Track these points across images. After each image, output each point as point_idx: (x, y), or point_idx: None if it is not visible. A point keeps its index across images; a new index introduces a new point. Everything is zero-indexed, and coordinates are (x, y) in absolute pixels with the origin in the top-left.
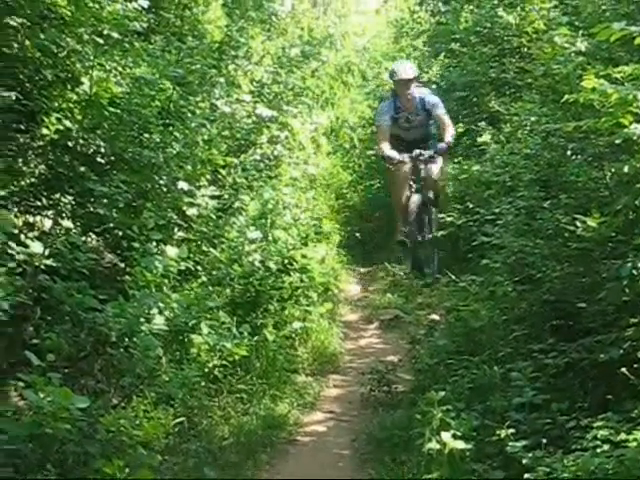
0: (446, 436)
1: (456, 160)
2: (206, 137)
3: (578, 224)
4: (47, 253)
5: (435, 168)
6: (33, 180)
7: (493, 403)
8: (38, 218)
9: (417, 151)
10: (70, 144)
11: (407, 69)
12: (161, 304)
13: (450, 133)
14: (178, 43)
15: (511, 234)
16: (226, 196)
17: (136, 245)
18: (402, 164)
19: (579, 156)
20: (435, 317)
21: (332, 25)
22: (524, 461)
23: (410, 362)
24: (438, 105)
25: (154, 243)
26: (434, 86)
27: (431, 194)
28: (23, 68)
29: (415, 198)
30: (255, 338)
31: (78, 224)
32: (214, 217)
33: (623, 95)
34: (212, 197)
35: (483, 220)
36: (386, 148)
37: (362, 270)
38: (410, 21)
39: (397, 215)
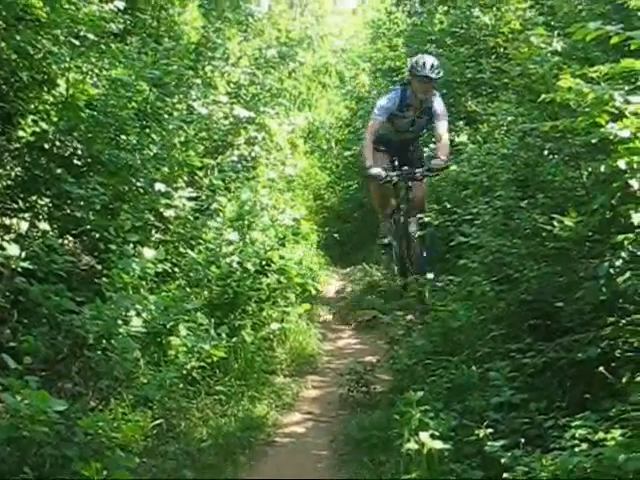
0: (424, 436)
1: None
2: (183, 139)
3: (555, 223)
4: (24, 255)
5: (423, 187)
6: (9, 182)
7: (471, 403)
8: (14, 220)
9: (406, 168)
10: (46, 146)
11: (434, 68)
12: (138, 306)
13: (445, 151)
14: (154, 44)
15: (488, 234)
16: (203, 197)
17: (113, 247)
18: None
19: (556, 156)
20: (413, 318)
21: (309, 26)
22: (503, 460)
23: (388, 362)
24: (443, 117)
25: (131, 245)
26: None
27: (418, 218)
28: None
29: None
30: (233, 339)
31: (55, 226)
32: (191, 219)
33: (599, 95)
34: (189, 199)
35: (460, 220)
36: (370, 157)
37: (341, 271)
38: (387, 22)
39: (379, 214)
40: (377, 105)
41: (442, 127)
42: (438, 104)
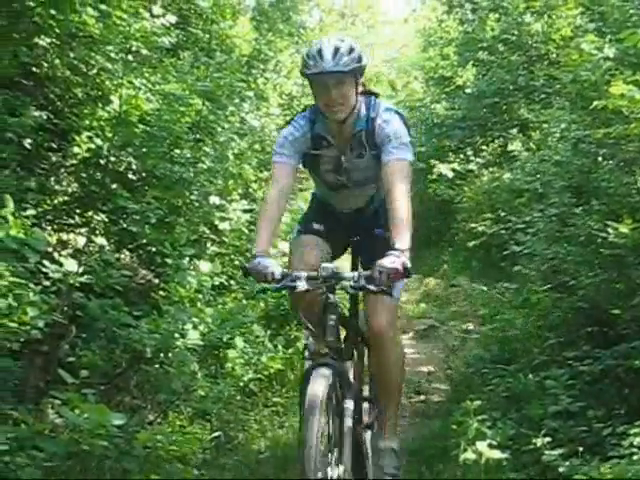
0: (482, 446)
1: (490, 169)
2: (236, 151)
3: (610, 230)
4: (81, 271)
5: (382, 309)
6: (66, 198)
7: (529, 411)
8: (71, 236)
9: (327, 267)
10: (101, 162)
11: (342, 52)
12: (195, 319)
13: (402, 230)
14: (206, 58)
15: (543, 241)
16: (257, 210)
17: (169, 261)
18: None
19: (610, 162)
20: (469, 326)
21: (360, 36)
22: (561, 469)
23: (445, 372)
24: (395, 140)
25: (187, 258)
26: (466, 93)
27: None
28: (53, 87)
29: (319, 380)
30: (289, 351)
31: (111, 241)
32: (246, 231)
33: None
34: (244, 211)
35: (515, 228)
36: (261, 236)
37: None
38: (438, 30)
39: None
40: (278, 138)
41: (391, 170)
42: (383, 121)
